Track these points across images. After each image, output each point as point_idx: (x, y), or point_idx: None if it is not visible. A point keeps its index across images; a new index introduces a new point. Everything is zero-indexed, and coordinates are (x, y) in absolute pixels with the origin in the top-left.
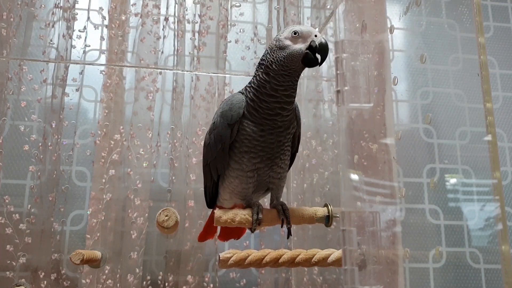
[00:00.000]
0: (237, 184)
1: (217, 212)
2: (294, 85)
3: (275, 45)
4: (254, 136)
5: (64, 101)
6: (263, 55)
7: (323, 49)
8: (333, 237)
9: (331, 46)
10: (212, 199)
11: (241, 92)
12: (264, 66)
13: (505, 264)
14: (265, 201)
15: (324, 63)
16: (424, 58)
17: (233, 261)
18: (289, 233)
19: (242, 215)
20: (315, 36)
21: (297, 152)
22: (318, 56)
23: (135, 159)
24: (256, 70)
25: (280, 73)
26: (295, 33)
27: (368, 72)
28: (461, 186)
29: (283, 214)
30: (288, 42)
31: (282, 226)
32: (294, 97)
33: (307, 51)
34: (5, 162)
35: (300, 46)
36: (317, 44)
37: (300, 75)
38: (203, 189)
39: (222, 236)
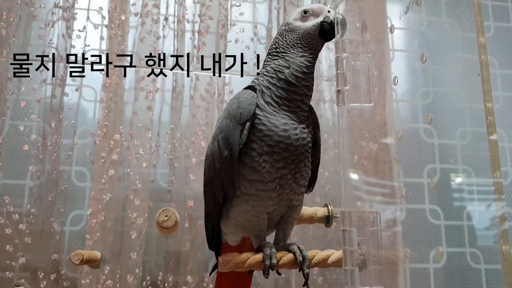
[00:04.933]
0: (250, 207)
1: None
2: (312, 73)
3: (284, 29)
4: (276, 131)
5: (64, 101)
6: (274, 43)
7: (340, 23)
8: (333, 237)
9: (331, 45)
10: (215, 237)
11: (249, 87)
12: (278, 53)
13: (505, 265)
14: None
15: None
16: (424, 58)
17: (233, 263)
18: (305, 282)
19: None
20: (328, 12)
21: (317, 168)
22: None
23: (135, 159)
24: (268, 60)
25: (299, 55)
26: (305, 12)
27: (368, 72)
28: (461, 186)
29: (302, 259)
30: (298, 23)
31: (300, 270)
32: (312, 90)
33: (324, 22)
34: (5, 162)
35: (313, 22)
36: (332, 19)
37: (317, 56)
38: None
39: None
